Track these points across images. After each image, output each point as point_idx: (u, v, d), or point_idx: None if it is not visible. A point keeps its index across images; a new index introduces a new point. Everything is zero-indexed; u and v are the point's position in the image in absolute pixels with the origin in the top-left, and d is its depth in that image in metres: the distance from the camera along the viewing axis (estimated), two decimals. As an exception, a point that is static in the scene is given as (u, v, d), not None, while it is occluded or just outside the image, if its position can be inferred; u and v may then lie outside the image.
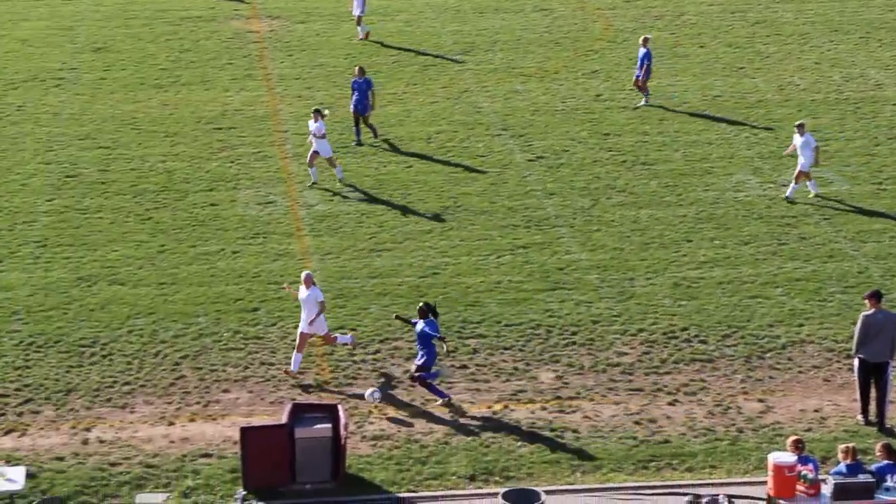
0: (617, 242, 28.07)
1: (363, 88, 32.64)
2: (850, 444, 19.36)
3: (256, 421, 21.60)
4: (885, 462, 19.09)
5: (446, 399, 22.28)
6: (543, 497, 18.96)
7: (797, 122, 30.46)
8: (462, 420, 21.90)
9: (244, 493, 19.88)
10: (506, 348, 24.10)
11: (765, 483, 19.21)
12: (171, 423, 21.78)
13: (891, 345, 21.64)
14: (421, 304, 22.41)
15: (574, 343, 24.30)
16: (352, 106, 32.95)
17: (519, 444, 21.28)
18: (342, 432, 20.15)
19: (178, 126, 34.14)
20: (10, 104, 35.40)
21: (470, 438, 21.40)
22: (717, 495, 19.19)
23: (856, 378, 22.07)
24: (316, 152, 30.46)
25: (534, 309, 25.38)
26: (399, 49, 39.68)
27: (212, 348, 23.75)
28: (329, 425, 20.25)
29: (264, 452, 19.97)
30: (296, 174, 31.31)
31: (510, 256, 27.47)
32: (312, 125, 30.45)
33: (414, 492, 20.15)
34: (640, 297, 25.86)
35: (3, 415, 21.97)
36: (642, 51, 35.01)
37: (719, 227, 28.77)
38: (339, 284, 26.24)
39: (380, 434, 21.48)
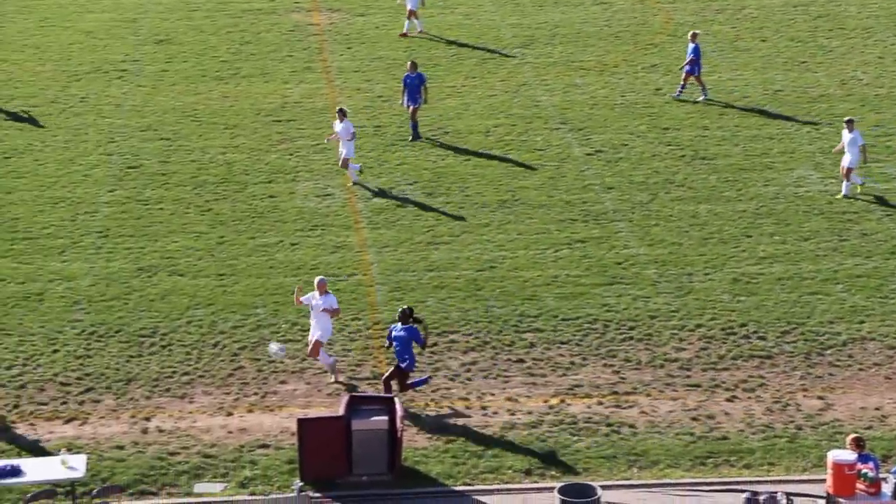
0: (675, 237, 27.93)
1: (415, 84, 32.54)
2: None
3: (314, 412, 21.71)
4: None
5: (428, 378, 22.08)
6: (600, 492, 18.92)
7: (846, 118, 30.16)
8: (518, 414, 21.90)
9: (301, 483, 19.99)
10: (563, 343, 24.06)
11: (824, 481, 19.05)
12: (229, 414, 21.94)
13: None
14: (403, 307, 22.08)
15: (631, 338, 24.21)
16: (404, 102, 32.82)
17: (575, 438, 21.24)
18: (399, 425, 20.21)
19: (238, 118, 34.35)
20: (74, 95, 35.78)
21: (526, 433, 21.39)
22: (776, 493, 19.05)
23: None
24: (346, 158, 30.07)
25: (591, 303, 25.32)
26: (457, 43, 39.67)
27: (269, 339, 23.87)
28: (386, 417, 20.31)
29: (321, 444, 20.06)
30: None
31: (568, 250, 27.41)
32: (338, 125, 30.08)
33: (470, 485, 20.17)
34: (698, 293, 25.72)
35: (64, 403, 22.24)
36: (691, 45, 34.80)
37: (779, 223, 28.54)
38: (396, 277, 26.30)
39: (436, 427, 21.52)
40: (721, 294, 25.67)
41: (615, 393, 22.54)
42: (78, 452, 20.22)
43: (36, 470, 19.25)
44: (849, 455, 18.79)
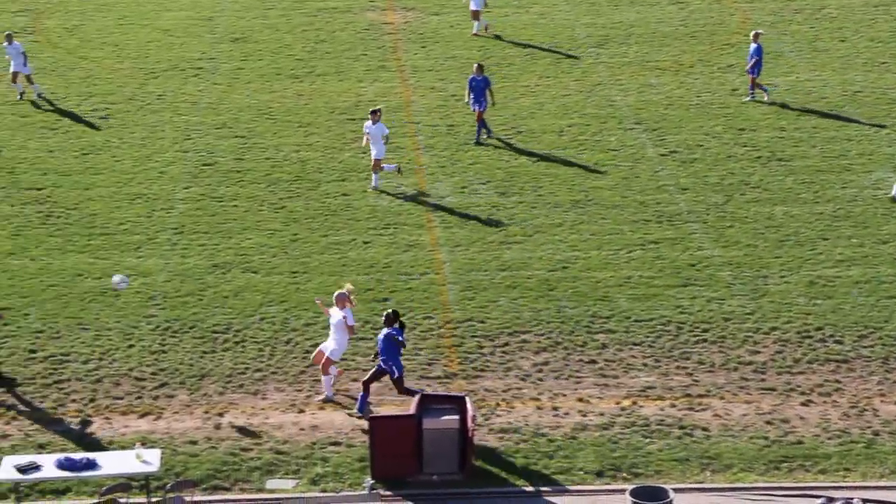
0: (751, 239, 27.64)
1: (481, 86, 32.37)
2: None
3: (385, 411, 21.75)
4: None
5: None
6: (672, 495, 18.78)
7: None
8: (590, 415, 21.79)
9: (372, 481, 20.04)
10: (635, 344, 23.90)
11: (901, 488, 18.80)
12: (301, 411, 22.04)
13: None
14: (388, 311, 21.84)
15: (705, 340, 24.00)
16: (471, 105, 32.64)
17: (647, 440, 21.09)
18: (470, 424, 20.18)
19: (312, 116, 34.51)
20: (151, 93, 36.14)
21: (598, 434, 21.28)
22: (852, 499, 18.81)
23: None
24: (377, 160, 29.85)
25: (664, 305, 25.13)
26: (531, 43, 39.57)
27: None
28: (457, 417, 20.30)
29: (392, 442, 20.10)
30: (427, 165, 31.43)
31: (641, 251, 27.23)
32: (371, 126, 29.80)
33: (540, 486, 20.09)
34: (773, 295, 25.43)
35: (139, 398, 22.46)
36: (753, 46, 34.42)
37: (857, 226, 28.16)
38: (468, 276, 26.28)
39: (507, 427, 21.47)
40: (797, 297, 25.37)
41: (688, 395, 22.35)
42: (152, 447, 20.42)
43: (111, 463, 19.48)
44: (927, 462, 18.51)
